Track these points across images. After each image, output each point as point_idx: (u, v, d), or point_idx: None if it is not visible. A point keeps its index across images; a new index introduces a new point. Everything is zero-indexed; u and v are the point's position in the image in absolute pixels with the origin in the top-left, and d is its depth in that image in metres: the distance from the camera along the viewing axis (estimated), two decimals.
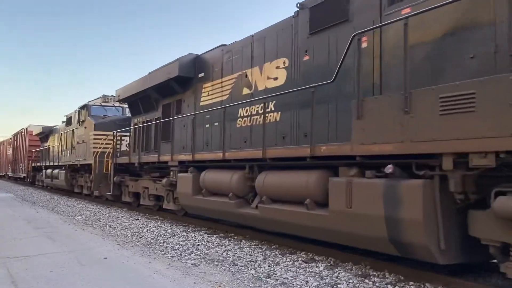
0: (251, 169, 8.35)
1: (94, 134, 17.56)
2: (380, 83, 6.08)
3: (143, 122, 14.12)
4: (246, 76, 9.23)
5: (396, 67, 5.61)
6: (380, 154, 5.36)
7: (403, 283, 5.32)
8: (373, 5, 6.29)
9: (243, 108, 9.17)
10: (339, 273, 5.86)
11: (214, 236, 9.03)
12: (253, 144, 8.74)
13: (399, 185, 5.10)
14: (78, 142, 19.49)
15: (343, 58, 6.18)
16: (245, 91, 9.21)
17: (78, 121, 19.80)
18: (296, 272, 5.91)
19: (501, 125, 4.09)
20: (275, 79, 8.35)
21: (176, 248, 7.79)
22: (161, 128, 12.60)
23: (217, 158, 9.21)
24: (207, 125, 10.45)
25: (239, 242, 8.31)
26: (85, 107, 19.18)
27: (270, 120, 8.33)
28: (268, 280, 5.55)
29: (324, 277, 5.62)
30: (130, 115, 16.17)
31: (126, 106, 17.04)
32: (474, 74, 4.69)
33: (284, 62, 8.16)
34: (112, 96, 18.49)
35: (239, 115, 9.30)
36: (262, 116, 8.32)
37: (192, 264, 6.44)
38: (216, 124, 10.11)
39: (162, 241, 8.46)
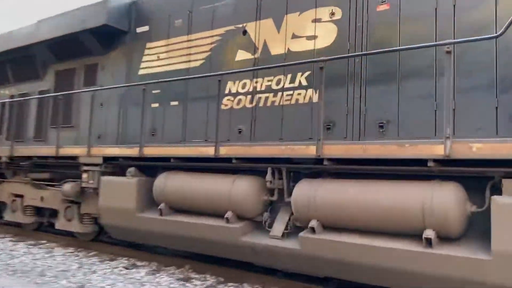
0: (274, 174, 5.22)
1: None
2: None
3: (13, 97, 9.42)
4: (245, 32, 6.04)
5: None
6: None
7: (223, 285, 5.38)
8: None
9: (239, 82, 5.97)
10: (161, 277, 5.71)
11: (21, 243, 7.91)
12: (259, 136, 5.63)
13: None
14: None
15: None
16: (242, 55, 6.02)
17: None
18: (114, 280, 5.54)
19: None
20: (311, 38, 5.42)
21: None
22: (52, 106, 8.32)
23: (201, 154, 5.77)
24: (155, 105, 6.83)
25: (51, 250, 7.50)
26: None
27: (299, 100, 5.38)
28: None
29: (144, 283, 5.40)
30: None
31: None
32: None
33: (332, 13, 5.31)
34: None
35: (228, 91, 6.05)
36: (286, 93, 5.36)
37: None
38: (175, 103, 6.61)
39: None
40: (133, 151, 6.53)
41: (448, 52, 4.06)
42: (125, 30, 7.45)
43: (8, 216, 8.85)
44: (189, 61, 6.59)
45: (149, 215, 6.16)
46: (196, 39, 6.58)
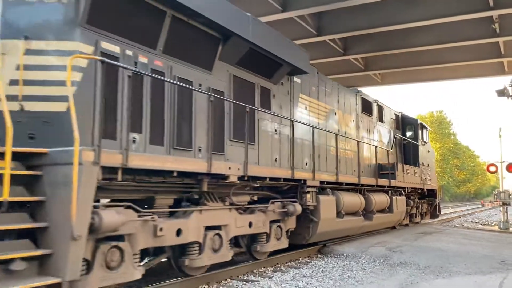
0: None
1: None
2: None
3: (156, 70, 5.90)
4: (335, 114, 11.03)
5: None
6: None
7: None
8: None
9: (338, 140, 10.75)
10: None
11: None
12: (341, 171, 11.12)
13: None
14: None
15: None
16: (333, 125, 10.89)
17: None
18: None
19: None
20: (353, 128, 11.86)
21: None
22: (232, 116, 7.32)
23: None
24: (302, 141, 9.49)
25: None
26: None
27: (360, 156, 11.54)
28: None
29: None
30: None
31: None
32: None
33: (353, 120, 12.11)
34: None
35: (330, 144, 10.63)
36: (354, 151, 11.54)
37: None
38: (307, 143, 9.68)
39: None
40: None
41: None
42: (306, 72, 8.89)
43: (204, 259, 5.94)
44: (319, 118, 10.09)
45: (338, 219, 9.49)
46: (319, 105, 10.21)
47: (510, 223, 18.68)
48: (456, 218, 24.11)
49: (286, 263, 8.13)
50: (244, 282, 6.47)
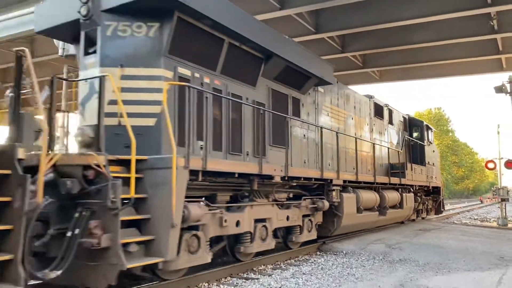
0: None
1: None
2: None
3: (216, 89, 7.03)
4: (352, 118, 12.15)
5: None
6: None
7: None
8: None
9: (354, 142, 11.89)
10: None
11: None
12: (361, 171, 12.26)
13: None
14: None
15: None
16: (350, 129, 12.02)
17: None
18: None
19: None
20: (367, 131, 12.99)
21: None
22: (272, 125, 8.44)
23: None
24: (325, 145, 10.59)
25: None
26: None
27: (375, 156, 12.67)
28: None
29: None
30: None
31: None
32: None
33: (367, 124, 13.23)
34: None
35: (348, 146, 11.74)
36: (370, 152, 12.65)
37: None
38: (329, 146, 10.76)
39: None
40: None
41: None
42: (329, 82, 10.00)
43: (254, 247, 7.09)
44: (338, 123, 11.21)
45: (359, 214, 10.61)
46: (339, 111, 11.33)
47: (509, 219, 18.79)
48: (455, 215, 24.15)
49: (286, 260, 8.12)
50: (244, 280, 6.50)
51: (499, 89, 19.62)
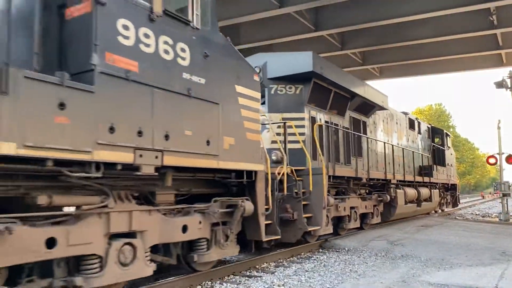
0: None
1: None
2: None
3: (327, 122, 10.74)
4: (395, 132, 15.84)
5: None
6: None
7: None
8: None
9: (401, 151, 15.55)
10: None
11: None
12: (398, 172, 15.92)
13: None
14: None
15: None
16: (394, 140, 15.68)
17: None
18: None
19: None
20: (405, 140, 16.68)
21: None
22: (352, 141, 12.14)
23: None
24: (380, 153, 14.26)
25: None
26: None
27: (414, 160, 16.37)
28: None
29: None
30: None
31: None
32: None
33: (405, 135, 16.90)
34: None
35: (396, 154, 15.40)
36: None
37: None
38: (386, 154, 14.47)
39: None
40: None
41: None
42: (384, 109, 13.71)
43: (351, 225, 10.83)
44: (387, 135, 14.89)
45: (405, 205, 14.28)
46: (387, 128, 15.01)
47: (510, 214, 19.17)
48: (457, 210, 24.53)
49: (288, 258, 8.23)
50: (247, 278, 6.52)
51: (500, 84, 19.52)
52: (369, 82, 27.86)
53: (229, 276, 6.52)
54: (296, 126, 9.57)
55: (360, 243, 9.65)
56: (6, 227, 3.67)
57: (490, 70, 27.03)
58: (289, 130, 9.49)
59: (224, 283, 6.09)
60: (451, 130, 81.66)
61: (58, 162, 4.04)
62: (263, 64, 9.64)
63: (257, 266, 7.25)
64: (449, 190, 22.49)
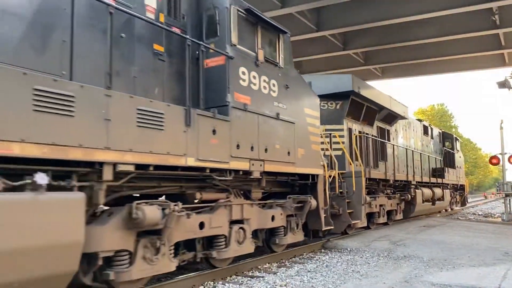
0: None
1: None
2: None
3: (360, 132, 12.60)
4: (412, 137, 17.67)
5: None
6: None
7: None
8: None
9: (419, 155, 17.36)
10: None
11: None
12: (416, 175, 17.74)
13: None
14: None
15: None
16: (411, 145, 17.51)
17: None
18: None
19: None
20: (421, 145, 18.51)
21: None
22: (379, 148, 13.98)
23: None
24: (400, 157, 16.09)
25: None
26: None
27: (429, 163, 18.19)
28: None
29: None
30: None
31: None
32: None
33: (420, 140, 18.72)
34: None
35: (415, 158, 17.23)
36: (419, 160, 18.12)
37: None
38: (403, 158, 16.30)
39: None
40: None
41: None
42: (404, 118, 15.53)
43: (380, 220, 12.68)
44: (407, 141, 16.71)
45: (423, 204, 16.09)
46: (406, 134, 16.83)
47: None
48: (459, 211, 24.48)
49: (291, 258, 8.16)
50: (249, 278, 6.51)
51: (502, 84, 19.46)
52: (370, 83, 24.68)
53: (231, 276, 6.61)
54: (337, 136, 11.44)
55: (363, 243, 9.70)
56: (187, 213, 5.55)
57: (493, 70, 27.11)
58: (333, 139, 11.36)
59: (226, 283, 6.17)
60: (454, 130, 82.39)
61: (211, 170, 5.92)
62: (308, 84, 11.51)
63: (259, 267, 7.30)
64: (458, 190, 24.30)
